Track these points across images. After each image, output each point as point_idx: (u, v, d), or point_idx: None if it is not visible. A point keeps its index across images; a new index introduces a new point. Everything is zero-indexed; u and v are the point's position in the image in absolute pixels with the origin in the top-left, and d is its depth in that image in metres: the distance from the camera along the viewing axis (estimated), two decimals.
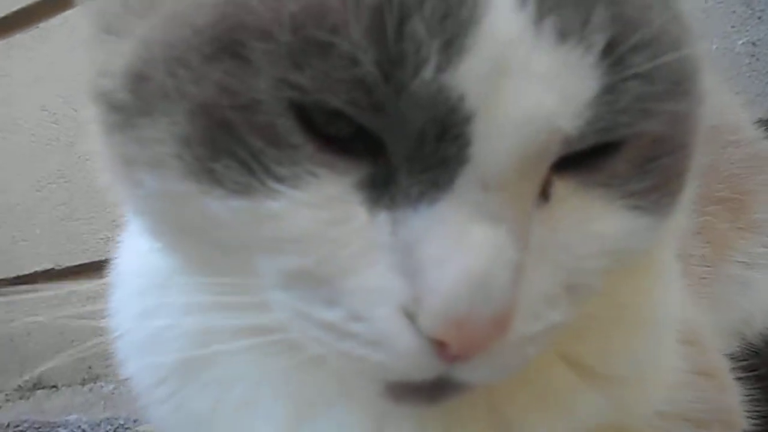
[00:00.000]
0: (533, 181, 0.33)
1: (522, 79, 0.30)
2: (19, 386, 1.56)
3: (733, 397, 0.54)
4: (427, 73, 0.29)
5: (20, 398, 1.58)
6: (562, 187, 0.35)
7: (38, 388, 1.56)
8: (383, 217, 0.32)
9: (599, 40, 0.31)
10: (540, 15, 0.30)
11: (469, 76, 0.29)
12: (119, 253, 0.54)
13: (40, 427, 1.44)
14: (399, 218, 0.32)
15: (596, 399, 0.44)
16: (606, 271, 0.36)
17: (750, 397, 0.59)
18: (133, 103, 0.34)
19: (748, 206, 0.83)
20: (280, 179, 0.32)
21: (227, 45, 0.31)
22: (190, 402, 0.48)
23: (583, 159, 0.34)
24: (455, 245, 0.30)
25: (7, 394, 1.60)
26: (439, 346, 0.31)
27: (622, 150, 0.34)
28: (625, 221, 0.36)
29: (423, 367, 0.33)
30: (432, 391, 0.35)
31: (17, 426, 1.43)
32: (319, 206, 0.32)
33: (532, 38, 0.30)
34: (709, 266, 0.79)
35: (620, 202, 0.35)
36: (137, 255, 0.50)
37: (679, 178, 0.38)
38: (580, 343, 0.43)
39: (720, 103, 0.86)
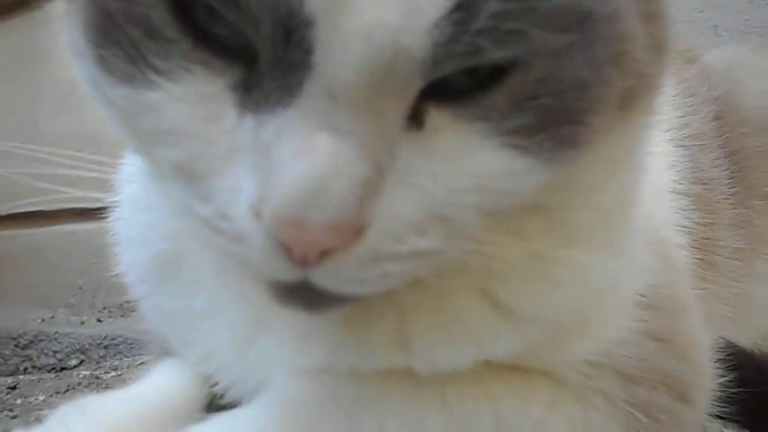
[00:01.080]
0: (392, 101, 0.32)
1: None
2: (121, 305, 1.75)
3: (693, 369, 0.53)
4: None
5: (121, 316, 1.78)
6: (437, 117, 0.34)
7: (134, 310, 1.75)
8: (249, 119, 0.33)
9: None
10: None
11: None
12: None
13: (132, 343, 1.61)
14: (261, 121, 0.32)
15: (508, 336, 0.45)
16: (482, 208, 0.35)
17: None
18: None
19: None
20: (157, 71, 0.33)
21: None
22: (165, 303, 0.53)
23: (462, 90, 0.33)
24: (298, 150, 0.31)
25: (110, 310, 1.81)
26: (285, 248, 0.32)
27: (504, 83, 0.33)
28: (502, 159, 0.34)
29: (279, 267, 0.34)
30: (308, 297, 0.36)
31: (113, 339, 1.61)
32: (193, 102, 0.34)
33: None
34: (741, 261, 0.78)
35: (499, 139, 0.34)
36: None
37: (575, 121, 0.35)
38: (503, 283, 0.44)
39: None
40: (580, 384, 0.49)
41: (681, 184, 0.70)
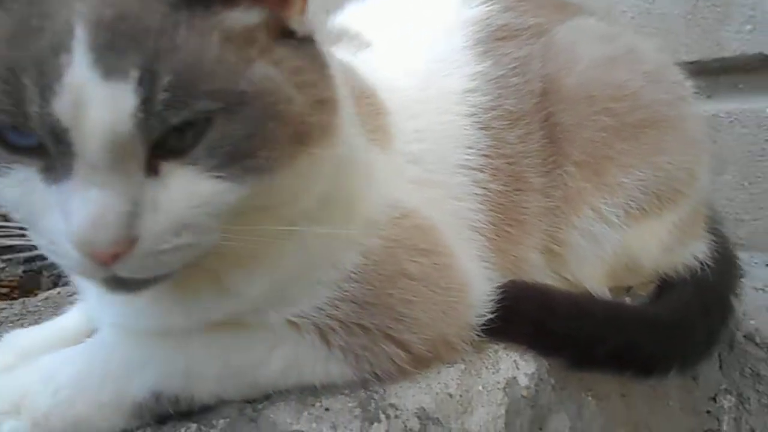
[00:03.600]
0: (130, 163, 0.51)
1: (91, 105, 0.49)
2: None
3: (408, 326, 0.74)
4: (34, 108, 0.49)
5: None
6: (167, 166, 0.53)
7: None
8: (53, 188, 0.52)
9: (134, 77, 0.49)
10: (96, 66, 0.48)
11: (59, 108, 0.48)
12: None
13: None
14: (59, 188, 0.52)
15: (223, 304, 0.68)
16: (210, 215, 0.55)
17: None
18: None
19: (605, 169, 0.92)
20: None
21: None
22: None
23: (180, 148, 0.53)
24: (79, 202, 0.50)
25: None
26: (92, 258, 0.52)
27: (201, 141, 0.52)
28: (210, 186, 0.54)
29: (95, 270, 0.54)
30: (125, 284, 0.57)
31: None
32: (17, 186, 0.54)
33: (92, 80, 0.48)
34: (556, 216, 0.93)
35: (206, 174, 0.54)
36: None
37: (252, 156, 0.55)
38: (226, 267, 0.66)
39: (606, 72, 0.93)
40: (294, 335, 0.71)
41: (477, 161, 0.86)
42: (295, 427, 0.70)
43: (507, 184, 0.88)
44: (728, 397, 1.30)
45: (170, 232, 0.54)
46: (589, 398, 0.99)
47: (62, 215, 0.52)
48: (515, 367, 0.88)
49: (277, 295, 0.70)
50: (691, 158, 0.96)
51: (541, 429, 0.89)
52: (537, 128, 0.91)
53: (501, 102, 0.89)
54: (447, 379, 0.81)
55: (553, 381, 0.91)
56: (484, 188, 0.86)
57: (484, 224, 0.86)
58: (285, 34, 0.60)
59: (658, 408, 1.18)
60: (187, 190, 0.54)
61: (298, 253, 0.69)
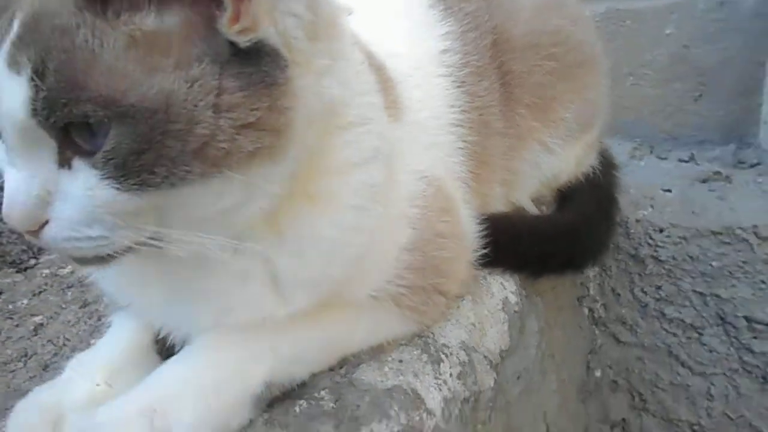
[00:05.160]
0: (40, 151, 0.55)
1: (2, 93, 0.53)
2: None
3: (447, 278, 0.84)
4: None
5: None
6: (78, 163, 0.55)
7: None
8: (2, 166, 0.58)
9: (26, 71, 0.52)
10: (7, 58, 0.52)
11: None
12: None
13: None
14: (2, 166, 0.58)
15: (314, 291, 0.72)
16: (117, 215, 0.56)
17: None
18: None
19: (551, 108, 1.08)
20: None
21: None
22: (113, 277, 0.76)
23: (84, 148, 0.54)
24: (5, 178, 0.57)
25: None
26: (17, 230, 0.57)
27: (101, 147, 0.53)
28: (106, 192, 0.55)
29: (32, 239, 0.58)
30: (78, 260, 0.62)
31: None
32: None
33: (3, 71, 0.53)
34: (512, 153, 1.07)
35: (104, 181, 0.54)
36: None
37: (148, 171, 0.54)
38: (281, 258, 0.68)
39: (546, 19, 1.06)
40: (369, 305, 0.79)
41: (459, 117, 0.95)
42: (388, 382, 0.78)
43: (480, 134, 0.98)
44: (594, 268, 1.63)
45: (79, 222, 0.57)
46: (539, 298, 1.20)
47: None
48: (503, 287, 1.04)
49: (357, 277, 0.75)
50: (604, 89, 1.15)
51: (521, 332, 1.08)
52: (495, 78, 1.01)
53: (468, 59, 0.97)
54: (466, 312, 0.94)
55: (524, 292, 1.10)
56: (465, 141, 0.96)
57: (465, 173, 0.97)
58: (228, 45, 0.56)
59: (560, 291, 1.45)
60: (89, 189, 0.56)
61: (366, 239, 0.73)
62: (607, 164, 1.34)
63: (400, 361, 0.82)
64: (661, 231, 1.52)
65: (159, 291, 0.74)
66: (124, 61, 0.52)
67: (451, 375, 0.84)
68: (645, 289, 1.57)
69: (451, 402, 0.82)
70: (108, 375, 0.73)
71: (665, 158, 1.87)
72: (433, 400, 0.79)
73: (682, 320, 1.54)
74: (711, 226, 1.48)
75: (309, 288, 0.72)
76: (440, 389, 0.81)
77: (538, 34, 1.04)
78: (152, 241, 0.60)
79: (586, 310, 1.65)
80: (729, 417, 1.56)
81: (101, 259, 0.61)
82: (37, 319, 1.02)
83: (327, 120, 0.66)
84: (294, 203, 0.67)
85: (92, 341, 0.94)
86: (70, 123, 0.54)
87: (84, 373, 0.74)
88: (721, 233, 1.47)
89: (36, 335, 0.98)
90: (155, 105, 0.53)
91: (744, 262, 1.45)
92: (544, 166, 1.12)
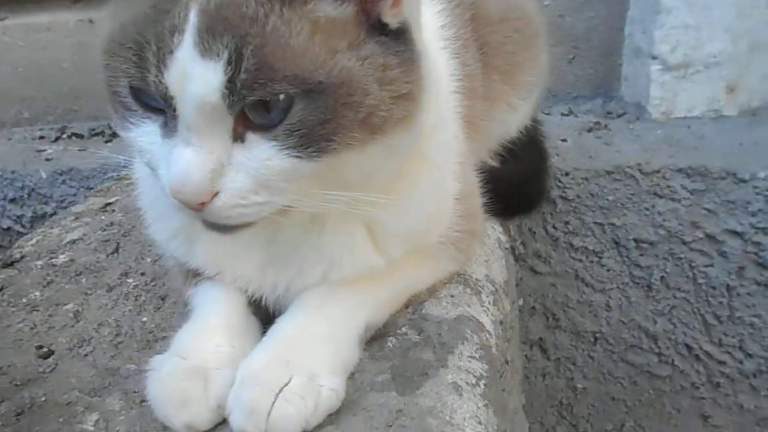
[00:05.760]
0: (219, 128, 0.61)
1: (189, 78, 0.59)
2: None
3: (478, 222, 1.01)
4: (152, 77, 0.60)
5: None
6: (252, 137, 0.63)
7: None
8: (166, 141, 0.64)
9: (224, 57, 0.58)
10: (197, 46, 0.58)
11: (169, 79, 0.60)
12: None
13: None
14: (169, 143, 0.64)
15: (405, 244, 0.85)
16: (286, 180, 0.64)
17: None
18: None
19: (516, 73, 1.26)
20: (131, 122, 0.67)
21: None
22: (197, 248, 0.84)
23: (261, 124, 0.62)
24: (176, 157, 0.62)
25: None
26: (184, 204, 0.63)
27: (282, 124, 0.61)
28: (285, 160, 0.63)
29: (189, 213, 0.65)
30: (217, 228, 0.68)
31: None
32: (145, 136, 0.66)
33: (192, 59, 0.59)
34: (488, 114, 1.24)
35: (285, 151, 0.62)
36: None
37: (324, 140, 0.62)
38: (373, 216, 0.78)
39: None
40: (435, 249, 0.92)
41: (457, 84, 1.09)
42: (452, 313, 0.92)
43: (471, 99, 1.13)
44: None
45: (249, 190, 0.64)
46: (505, 237, 1.40)
47: (166, 166, 0.65)
48: (494, 229, 1.23)
49: (434, 226, 0.89)
50: (548, 53, 1.35)
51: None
52: (476, 49, 1.16)
53: (458, 32, 1.10)
54: (479, 251, 1.11)
55: (501, 230, 1.29)
56: (462, 106, 1.10)
57: (462, 137, 1.12)
58: (377, 26, 0.66)
59: None
60: (267, 160, 0.63)
61: (445, 192, 0.88)
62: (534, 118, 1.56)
63: (452, 296, 0.97)
64: (566, 174, 1.79)
65: (257, 256, 0.82)
66: (311, 44, 0.60)
67: (489, 303, 1.01)
68: (555, 225, 1.84)
69: (495, 324, 0.98)
70: (229, 338, 0.79)
71: (549, 113, 2.15)
72: (487, 323, 0.95)
73: (586, 248, 1.84)
74: (605, 166, 1.77)
75: (404, 240, 0.84)
76: (487, 314, 0.97)
77: (505, 9, 1.21)
78: (296, 202, 0.68)
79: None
80: (623, 322, 1.91)
81: (246, 225, 0.68)
82: (69, 307, 1.01)
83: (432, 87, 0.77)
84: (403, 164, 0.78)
85: (143, 319, 0.97)
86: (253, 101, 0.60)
87: (206, 339, 0.79)
88: (613, 172, 1.77)
89: (78, 322, 0.97)
90: (339, 80, 0.61)
91: (632, 194, 1.77)
92: (510, 124, 1.30)
